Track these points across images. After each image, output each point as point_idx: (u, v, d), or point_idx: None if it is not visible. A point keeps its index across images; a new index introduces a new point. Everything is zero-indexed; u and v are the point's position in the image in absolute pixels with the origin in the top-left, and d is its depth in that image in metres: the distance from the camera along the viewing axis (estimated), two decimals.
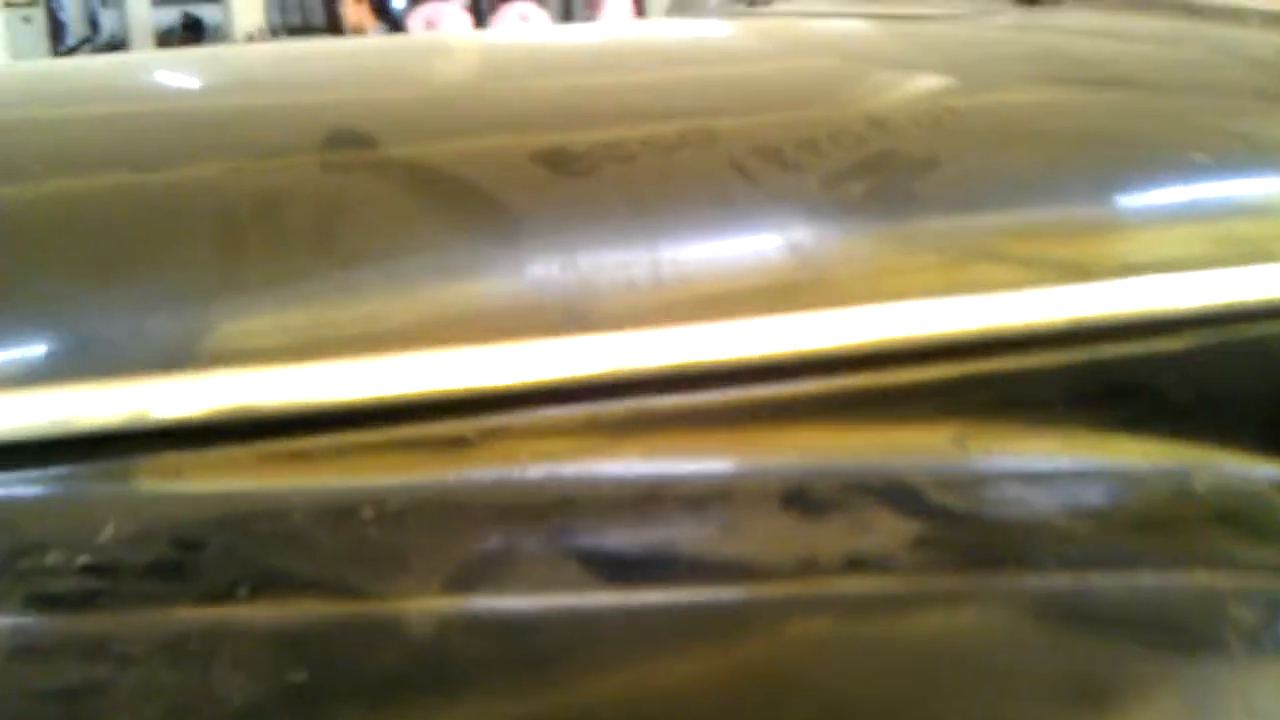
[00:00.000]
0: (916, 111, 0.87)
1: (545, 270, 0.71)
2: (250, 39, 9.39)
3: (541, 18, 6.78)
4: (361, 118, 0.84)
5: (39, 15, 11.22)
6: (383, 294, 0.69)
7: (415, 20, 6.34)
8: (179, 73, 1.13)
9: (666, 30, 1.62)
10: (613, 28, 2.17)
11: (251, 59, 1.37)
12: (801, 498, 0.69)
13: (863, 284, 0.76)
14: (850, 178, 0.78)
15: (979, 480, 0.76)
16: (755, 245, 0.75)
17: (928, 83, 0.99)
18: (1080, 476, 0.77)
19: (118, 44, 11.78)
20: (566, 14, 9.79)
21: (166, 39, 11.44)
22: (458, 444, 0.68)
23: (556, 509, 0.66)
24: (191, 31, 11.80)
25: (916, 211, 0.79)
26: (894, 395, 0.77)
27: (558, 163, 0.77)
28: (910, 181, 0.79)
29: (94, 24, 12.73)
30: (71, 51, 11.39)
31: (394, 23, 5.58)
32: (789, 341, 0.73)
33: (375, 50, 1.49)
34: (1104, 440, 0.79)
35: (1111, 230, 0.82)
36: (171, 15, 12.14)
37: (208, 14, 11.80)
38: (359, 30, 5.53)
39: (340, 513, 0.64)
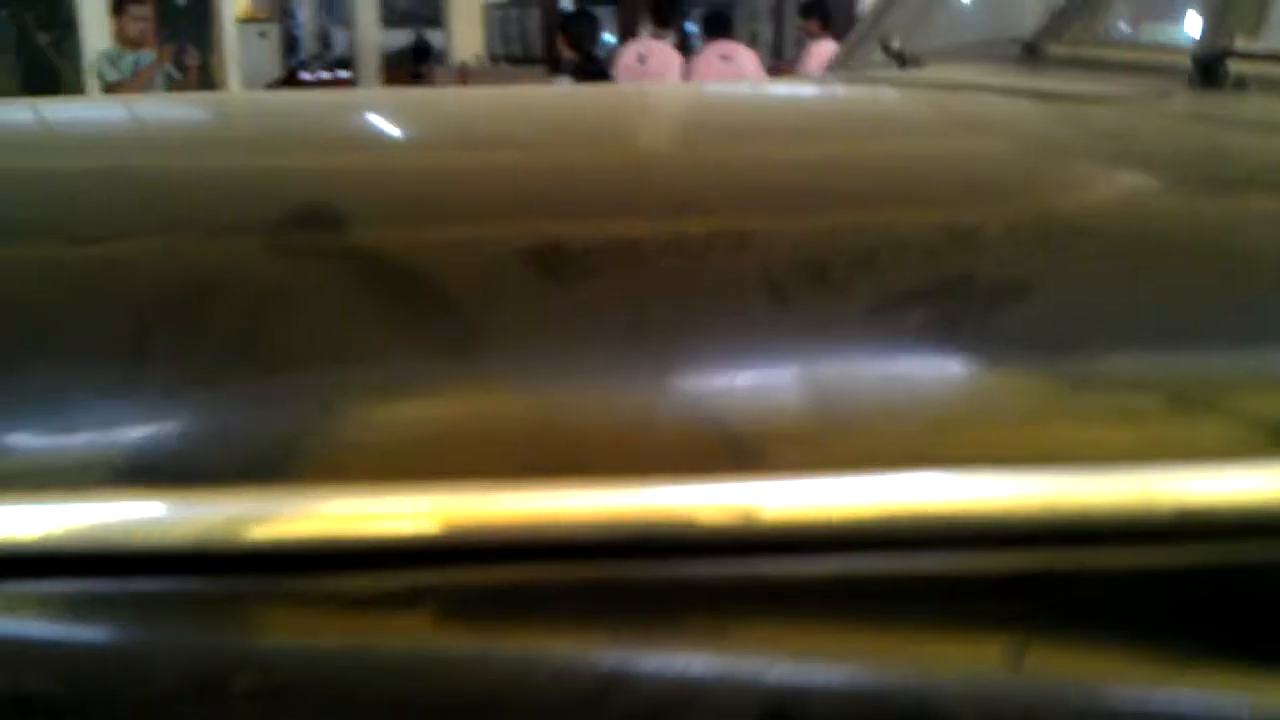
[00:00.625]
0: (1017, 222, 0.69)
1: (503, 399, 0.57)
2: (463, 68, 9.66)
3: (747, 57, 6.69)
4: (314, 189, 0.73)
5: (274, 31, 11.88)
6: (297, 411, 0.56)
7: (628, 55, 6.37)
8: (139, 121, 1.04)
9: (772, 94, 1.46)
10: (715, 89, 2.00)
11: (226, 109, 1.26)
12: None
13: (906, 440, 0.59)
14: (908, 303, 0.61)
15: (1035, 711, 0.58)
16: (772, 384, 0.59)
17: (1043, 186, 0.81)
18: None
19: (345, 62, 12.37)
20: (777, 53, 9.71)
21: (395, 61, 11.92)
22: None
23: None
24: (421, 55, 12.25)
25: (990, 349, 0.61)
26: (931, 587, 0.60)
27: (547, 263, 0.62)
28: (986, 311, 0.61)
29: (326, 41, 13.43)
30: (301, 67, 12.02)
31: (589, 56, 5.59)
32: (807, 505, 0.57)
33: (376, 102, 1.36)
34: (1213, 670, 0.60)
35: (1258, 389, 0.63)
36: (401, 38, 12.65)
37: (436, 39, 12.23)
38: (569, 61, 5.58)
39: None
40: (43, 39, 7.11)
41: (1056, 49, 1.29)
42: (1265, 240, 0.71)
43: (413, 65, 11.24)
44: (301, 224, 0.68)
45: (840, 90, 1.39)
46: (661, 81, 6.18)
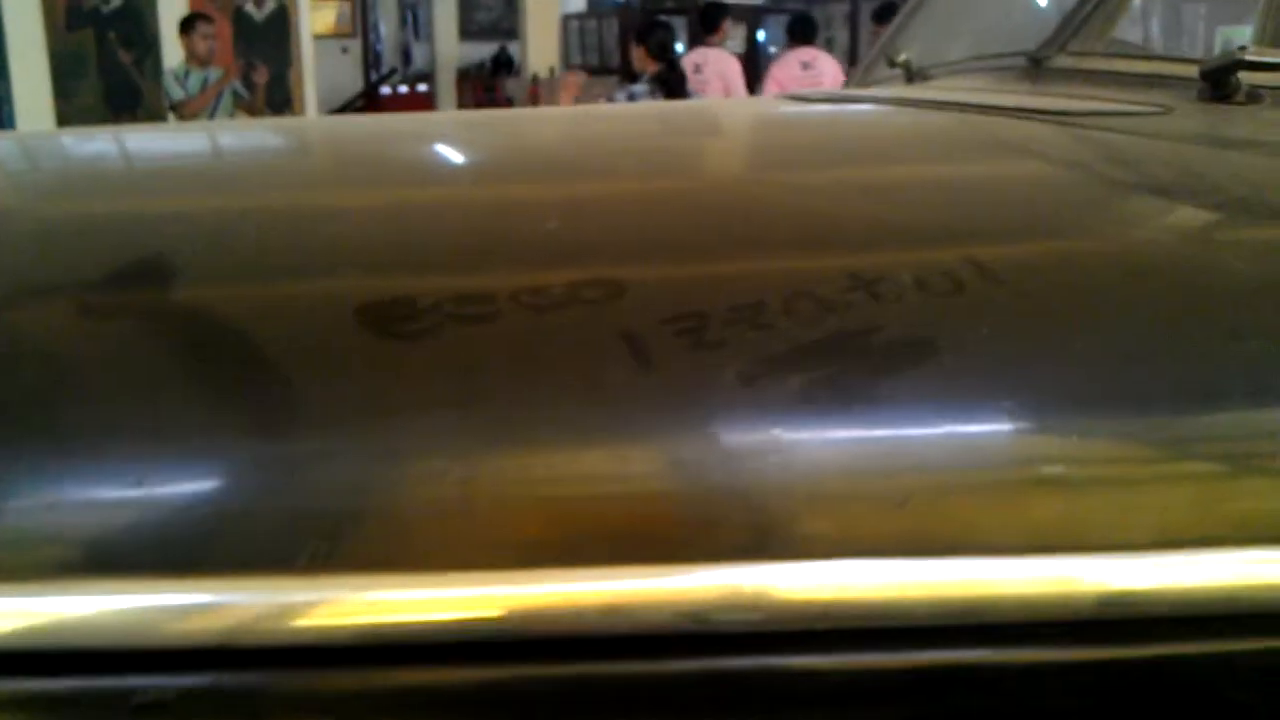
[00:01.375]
0: (929, 268, 0.59)
1: (295, 489, 0.48)
2: (534, 80, 9.65)
3: (828, 64, 6.52)
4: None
5: (356, 47, 12.03)
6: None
7: (686, 63, 6.28)
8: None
9: (706, 116, 1.34)
10: (642, 111, 1.79)
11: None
12: None
13: (776, 527, 0.51)
14: (788, 366, 0.51)
15: None
16: (621, 459, 0.51)
17: (968, 223, 0.70)
18: None
19: (424, 76, 12.48)
20: (853, 60, 9.52)
21: (473, 73, 12.00)
22: None
23: None
24: (500, 67, 12.31)
25: (880, 420, 0.52)
26: (818, 690, 0.52)
27: (385, 319, 0.53)
28: (879, 376, 0.52)
29: (407, 56, 13.57)
30: (382, 81, 12.15)
31: (671, 65, 5.51)
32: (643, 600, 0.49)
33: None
34: None
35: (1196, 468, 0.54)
36: (481, 50, 12.73)
37: (518, 51, 12.27)
38: (643, 71, 5.50)
39: None
40: (124, 57, 7.26)
41: (1063, 60, 1.16)
42: (1225, 289, 0.60)
43: (488, 78, 11.28)
44: (109, 283, 0.60)
45: (791, 111, 1.27)
46: (722, 90, 6.15)
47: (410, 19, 13.73)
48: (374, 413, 0.50)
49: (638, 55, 5.15)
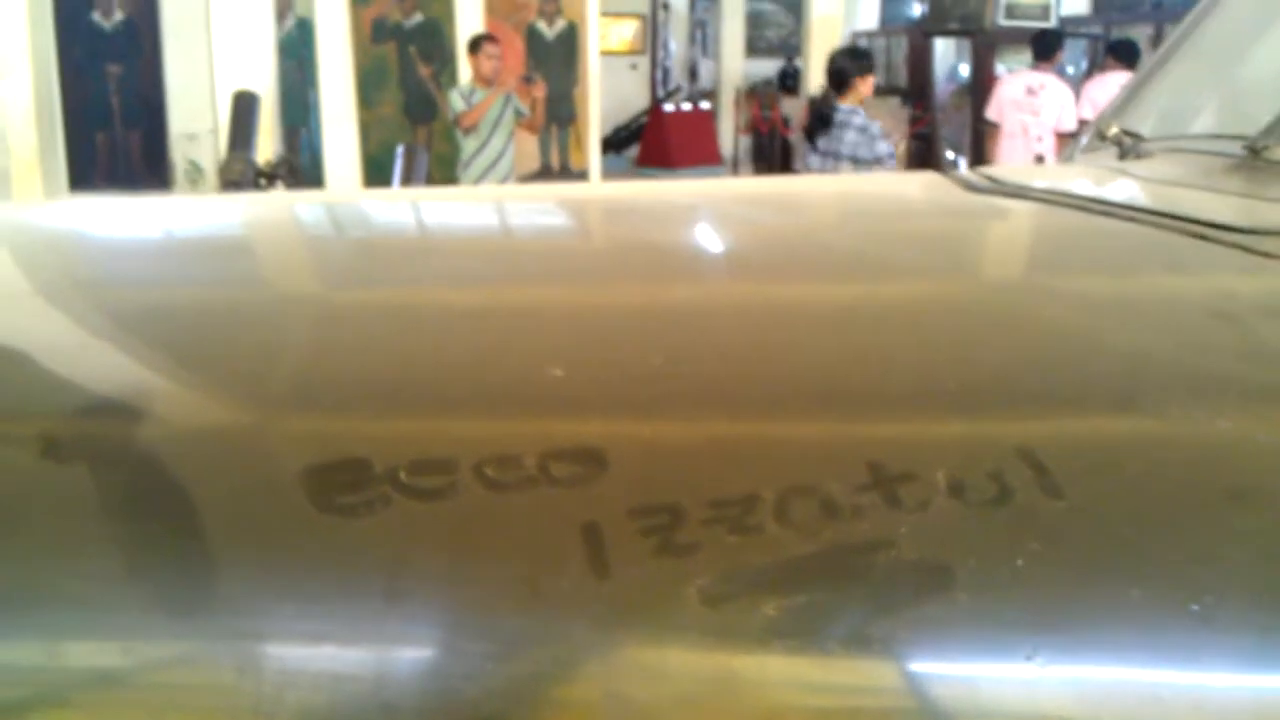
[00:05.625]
0: (972, 465, 0.50)
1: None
2: (811, 101, 9.49)
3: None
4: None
5: (645, 63, 12.30)
6: None
7: (1014, 85, 6.12)
8: None
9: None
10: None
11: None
12: None
13: None
14: (765, 587, 0.44)
15: None
16: (552, 678, 0.44)
17: (1045, 399, 0.59)
18: None
19: (708, 93, 12.60)
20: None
21: (758, 90, 12.00)
22: None
23: None
24: (790, 81, 12.26)
25: (869, 672, 0.43)
26: None
27: (329, 488, 0.49)
28: (877, 613, 0.43)
29: (693, 73, 13.75)
30: (667, 97, 12.37)
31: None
32: None
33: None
34: None
35: None
36: (768, 68, 12.72)
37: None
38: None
39: None
40: (423, 70, 7.70)
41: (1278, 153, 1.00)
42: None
43: (772, 95, 11.23)
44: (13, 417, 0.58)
45: (931, 206, 1.14)
46: (1053, 116, 6.19)
47: (700, 36, 13.91)
48: (296, 596, 0.45)
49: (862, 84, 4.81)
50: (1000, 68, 8.09)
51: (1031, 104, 6.23)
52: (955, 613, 0.42)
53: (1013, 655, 0.42)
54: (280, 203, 1.42)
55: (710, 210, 1.18)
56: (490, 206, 1.30)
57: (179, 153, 7.56)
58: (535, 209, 1.26)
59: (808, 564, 0.44)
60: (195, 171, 7.48)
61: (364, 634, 0.43)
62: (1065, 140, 6.14)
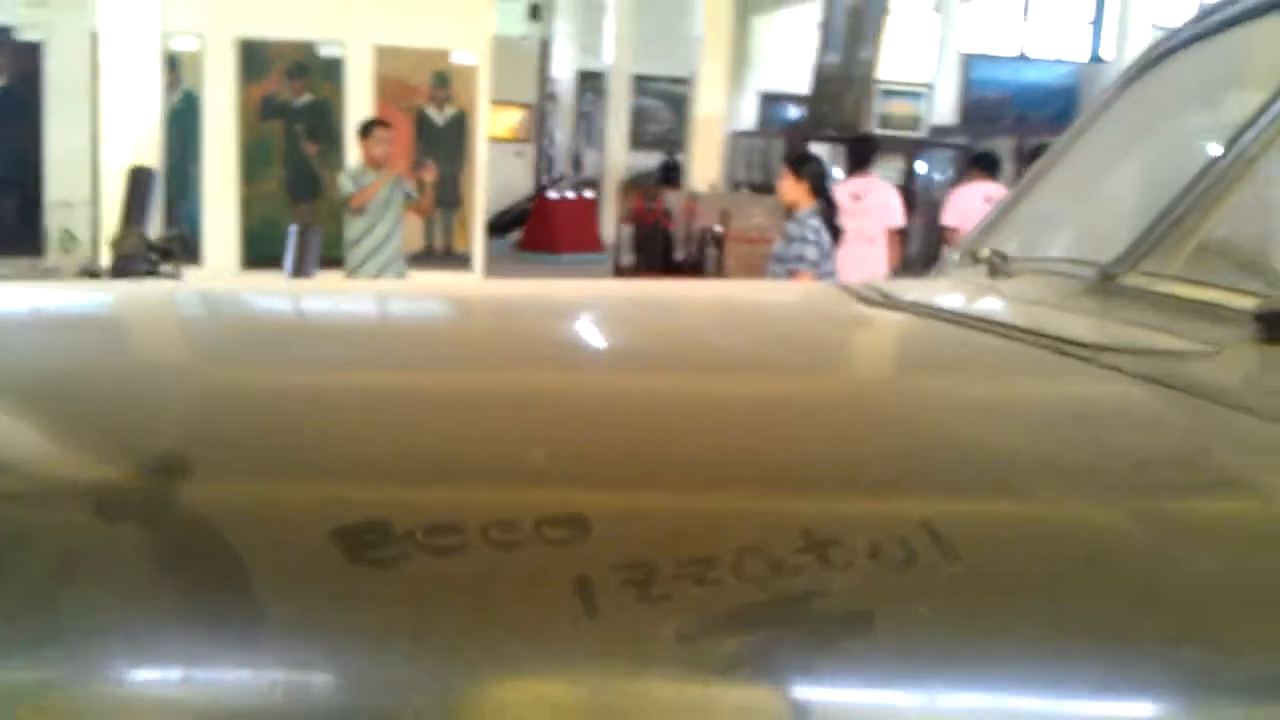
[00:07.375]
0: (885, 532, 0.60)
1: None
2: (692, 196, 9.81)
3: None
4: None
5: (530, 151, 12.51)
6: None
7: (841, 193, 6.32)
8: None
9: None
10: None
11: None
12: None
13: None
14: (726, 627, 0.54)
15: None
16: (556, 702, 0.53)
17: (937, 482, 0.70)
18: None
19: (592, 182, 12.85)
20: None
21: (639, 181, 12.29)
22: None
23: None
24: (672, 174, 12.58)
25: (811, 693, 0.53)
26: None
27: (358, 545, 0.56)
28: (815, 646, 0.54)
29: (577, 162, 14.04)
30: (553, 184, 12.59)
31: (829, 202, 5.52)
32: None
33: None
34: None
35: None
36: (650, 160, 13.06)
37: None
38: (793, 207, 5.43)
39: None
40: (309, 149, 7.72)
41: (1132, 279, 1.14)
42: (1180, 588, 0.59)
43: (652, 188, 11.52)
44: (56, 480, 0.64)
45: (829, 315, 1.27)
46: (881, 220, 6.30)
47: (585, 127, 14.23)
48: (331, 636, 0.52)
49: (788, 184, 5.14)
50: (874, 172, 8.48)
51: (858, 208, 6.28)
52: (875, 649, 0.53)
53: (921, 684, 0.52)
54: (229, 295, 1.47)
55: (640, 312, 1.28)
56: (442, 301, 1.38)
57: (54, 220, 7.42)
58: (486, 304, 1.35)
59: (759, 609, 0.53)
60: (69, 240, 7.34)
61: (391, 670, 0.51)
62: (895, 237, 6.37)
